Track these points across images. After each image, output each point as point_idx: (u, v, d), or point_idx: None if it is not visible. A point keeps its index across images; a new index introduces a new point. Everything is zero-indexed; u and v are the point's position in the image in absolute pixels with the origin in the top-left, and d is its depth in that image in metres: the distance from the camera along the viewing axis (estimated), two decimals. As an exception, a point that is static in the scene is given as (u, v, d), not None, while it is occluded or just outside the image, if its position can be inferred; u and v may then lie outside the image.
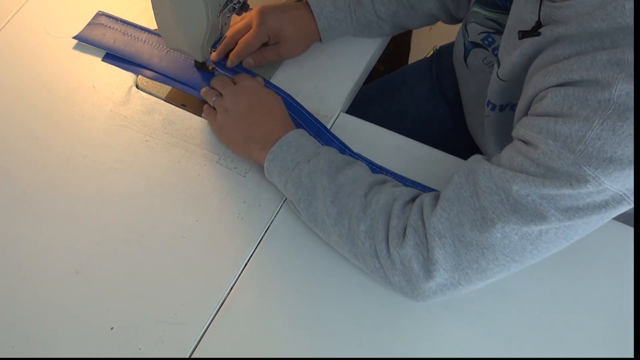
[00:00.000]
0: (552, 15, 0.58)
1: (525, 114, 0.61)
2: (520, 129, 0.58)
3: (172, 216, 0.73)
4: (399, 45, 1.35)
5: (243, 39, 0.82)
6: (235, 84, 0.78)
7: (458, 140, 0.98)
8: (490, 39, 0.77)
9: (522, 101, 0.62)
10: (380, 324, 0.66)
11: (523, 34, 0.61)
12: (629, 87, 0.49)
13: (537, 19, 0.60)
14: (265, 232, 0.72)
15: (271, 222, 0.73)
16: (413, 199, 0.64)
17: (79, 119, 0.81)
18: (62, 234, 0.73)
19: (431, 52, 1.05)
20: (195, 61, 0.83)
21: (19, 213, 0.75)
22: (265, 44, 0.83)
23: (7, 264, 0.71)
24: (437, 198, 0.62)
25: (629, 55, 0.50)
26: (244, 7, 0.76)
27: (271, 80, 0.84)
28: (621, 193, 0.53)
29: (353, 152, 0.77)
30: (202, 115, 0.80)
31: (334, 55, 0.86)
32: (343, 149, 0.77)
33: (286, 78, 0.84)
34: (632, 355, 0.63)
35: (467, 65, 0.84)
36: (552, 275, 0.68)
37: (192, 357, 0.65)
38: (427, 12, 0.86)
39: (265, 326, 0.67)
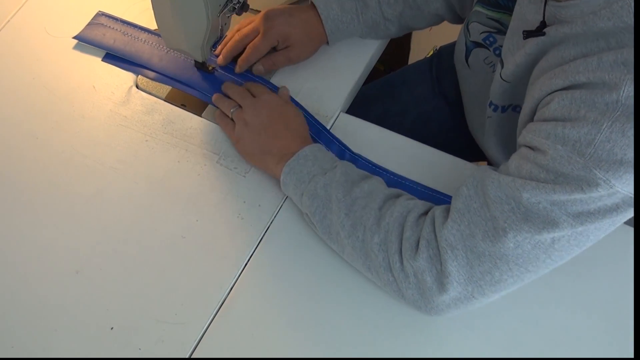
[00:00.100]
0: (556, 14, 0.57)
1: (531, 117, 0.60)
2: (527, 135, 0.57)
3: (172, 216, 0.73)
4: (399, 45, 1.34)
5: (251, 44, 0.81)
6: (250, 92, 0.78)
7: (458, 140, 0.98)
8: (491, 39, 0.77)
9: (527, 104, 0.61)
10: (380, 323, 0.66)
11: (527, 34, 0.61)
12: None
13: (541, 19, 0.59)
14: (265, 232, 0.72)
15: (271, 222, 0.73)
16: (427, 212, 0.64)
17: (79, 119, 0.81)
18: (62, 234, 0.73)
19: (431, 52, 1.05)
20: (195, 61, 0.83)
21: (19, 213, 0.75)
22: (273, 48, 0.83)
23: (7, 263, 0.71)
24: (448, 210, 0.61)
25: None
26: (244, 7, 0.76)
27: (271, 81, 0.84)
28: (632, 195, 0.52)
29: (353, 152, 0.77)
30: (217, 122, 0.79)
31: (334, 55, 0.86)
32: (343, 150, 0.77)
33: (286, 78, 0.84)
34: (632, 355, 0.63)
35: (468, 65, 0.84)
36: (552, 275, 0.67)
37: (192, 357, 0.65)
38: (433, 12, 0.86)
39: (265, 326, 0.67)
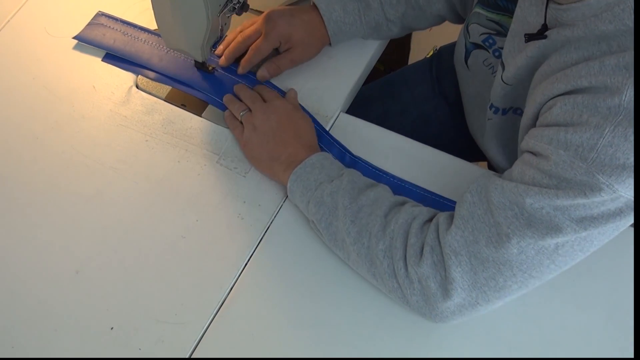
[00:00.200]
0: (558, 17, 0.57)
1: (533, 122, 0.60)
2: (530, 140, 0.57)
3: (172, 216, 0.73)
4: (399, 45, 1.34)
5: (254, 45, 0.81)
6: (261, 96, 0.78)
7: (458, 141, 0.98)
8: (491, 41, 0.77)
9: (529, 109, 0.61)
10: (380, 323, 0.66)
11: (529, 37, 0.61)
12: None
13: (543, 22, 0.59)
14: (265, 232, 0.72)
15: (271, 222, 0.73)
16: (431, 219, 0.64)
17: (79, 119, 0.81)
18: (62, 234, 0.73)
19: (431, 52, 1.05)
20: (195, 61, 0.83)
21: (19, 213, 0.75)
22: (275, 49, 0.83)
23: (7, 264, 0.71)
24: (452, 217, 0.61)
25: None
26: (244, 7, 0.76)
27: (271, 81, 0.84)
28: (634, 205, 0.52)
29: (353, 155, 0.77)
30: (226, 123, 0.79)
31: (334, 56, 0.86)
32: (343, 152, 0.77)
33: (286, 78, 0.84)
34: (632, 355, 0.63)
35: (467, 66, 0.84)
36: (552, 275, 0.68)
37: (192, 357, 0.65)
38: (435, 13, 0.86)
39: (265, 326, 0.67)
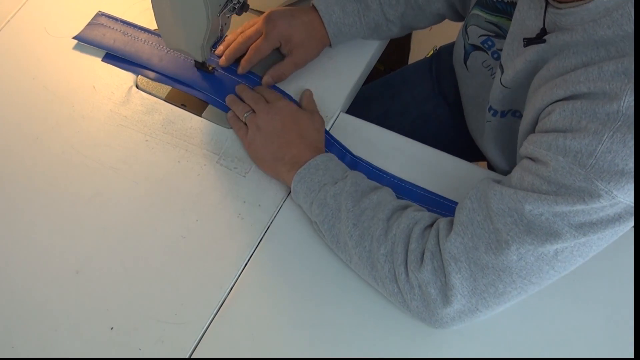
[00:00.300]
0: (557, 22, 0.57)
1: (532, 127, 0.60)
2: (529, 146, 0.57)
3: (172, 216, 0.73)
4: (399, 45, 1.35)
5: (254, 45, 0.81)
6: (264, 97, 0.78)
7: (458, 140, 0.98)
8: (490, 42, 0.76)
9: (528, 114, 0.61)
10: (380, 323, 0.66)
11: (528, 41, 0.60)
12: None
13: (541, 26, 0.59)
14: (265, 232, 0.72)
15: (271, 222, 0.73)
16: (433, 224, 0.64)
17: (79, 120, 0.81)
18: (62, 234, 0.73)
19: (431, 52, 1.05)
20: (195, 61, 0.83)
21: (19, 213, 0.75)
22: (276, 49, 0.83)
23: (7, 264, 0.71)
24: (452, 223, 0.61)
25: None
26: (244, 7, 0.76)
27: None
28: (633, 205, 0.52)
29: (354, 155, 0.77)
30: (230, 126, 0.79)
31: (334, 56, 0.86)
32: (344, 153, 0.77)
33: (286, 79, 0.84)
34: (632, 355, 0.63)
35: (466, 67, 0.84)
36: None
37: (192, 357, 0.65)
38: (434, 12, 0.86)
39: (265, 326, 0.67)
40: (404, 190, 0.74)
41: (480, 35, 0.77)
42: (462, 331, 0.66)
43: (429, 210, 0.69)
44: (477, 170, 0.76)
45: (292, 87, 0.83)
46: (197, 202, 0.74)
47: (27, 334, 0.67)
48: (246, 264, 0.70)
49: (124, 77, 0.85)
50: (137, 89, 0.84)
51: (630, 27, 0.51)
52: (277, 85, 0.84)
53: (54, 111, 0.82)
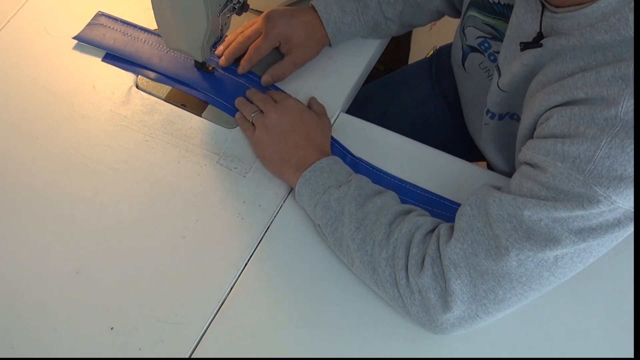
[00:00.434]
0: (553, 26, 0.57)
1: (531, 132, 0.60)
2: (527, 152, 0.57)
3: (172, 216, 0.73)
4: (399, 45, 1.35)
5: (253, 45, 0.81)
6: (273, 99, 0.78)
7: (458, 141, 0.98)
8: (486, 44, 0.76)
9: (526, 119, 0.61)
10: (380, 323, 0.66)
11: (525, 46, 0.60)
12: None
13: (538, 30, 0.59)
14: (265, 232, 0.72)
15: (271, 222, 0.73)
16: (434, 229, 0.64)
17: (79, 119, 0.81)
18: (62, 234, 0.73)
19: (431, 52, 1.05)
20: (195, 61, 0.83)
21: (19, 213, 0.75)
22: (276, 48, 0.83)
23: (7, 264, 0.71)
24: (452, 228, 0.61)
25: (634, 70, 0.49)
26: (244, 7, 0.76)
27: (274, 84, 0.84)
28: (633, 210, 0.52)
29: (354, 156, 0.77)
30: (238, 125, 0.79)
31: (334, 56, 0.86)
32: (344, 153, 0.77)
33: (286, 79, 0.84)
34: (632, 355, 0.63)
35: (464, 68, 0.84)
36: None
37: (192, 357, 0.65)
38: (433, 9, 0.86)
39: (265, 326, 0.67)
40: (404, 190, 0.74)
41: (478, 37, 0.77)
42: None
43: (428, 211, 0.69)
44: (476, 170, 0.76)
45: (292, 87, 0.83)
46: (197, 202, 0.74)
47: (27, 334, 0.67)
48: (246, 264, 0.70)
49: (124, 77, 0.85)
50: (137, 89, 0.84)
51: (627, 32, 0.51)
52: (276, 84, 0.84)
53: (54, 111, 0.82)
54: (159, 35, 0.87)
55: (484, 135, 0.81)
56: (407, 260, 0.61)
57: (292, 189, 0.75)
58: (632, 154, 0.49)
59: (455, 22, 0.91)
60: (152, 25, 0.86)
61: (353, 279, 0.69)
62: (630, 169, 0.49)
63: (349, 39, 0.86)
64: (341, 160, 0.73)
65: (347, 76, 0.85)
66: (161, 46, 0.86)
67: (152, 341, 0.66)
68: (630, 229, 0.54)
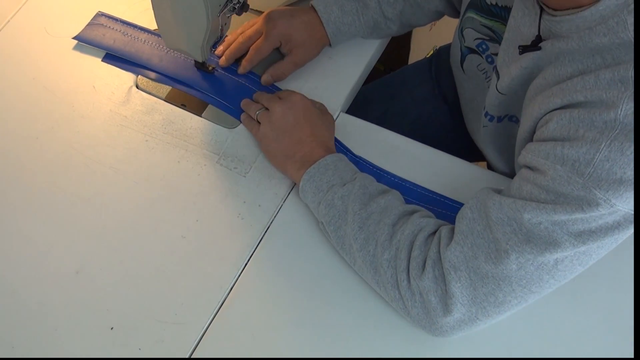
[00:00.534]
0: (552, 29, 0.57)
1: (530, 135, 0.60)
2: (527, 155, 0.57)
3: (172, 216, 0.73)
4: (399, 45, 1.35)
5: (254, 45, 0.82)
6: (279, 97, 0.78)
7: (458, 141, 0.98)
8: (484, 46, 0.76)
9: (526, 122, 0.61)
10: (380, 323, 0.66)
11: (523, 49, 0.60)
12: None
13: (536, 33, 0.59)
14: (265, 232, 0.72)
15: (271, 222, 0.73)
16: (436, 231, 0.64)
17: (79, 119, 0.81)
18: (62, 234, 0.73)
19: (431, 53, 1.05)
20: (195, 61, 0.83)
21: (19, 213, 0.75)
22: (276, 49, 0.83)
23: (7, 264, 0.71)
24: (453, 231, 0.61)
25: (633, 72, 0.49)
26: (244, 7, 0.76)
27: (273, 84, 0.84)
28: (632, 212, 0.52)
29: (354, 155, 0.77)
30: (244, 126, 0.79)
31: (334, 56, 0.86)
32: (345, 152, 0.77)
33: (287, 79, 0.84)
34: (632, 355, 0.63)
35: (463, 70, 0.84)
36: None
37: (192, 357, 0.65)
38: (433, 9, 0.86)
39: (265, 326, 0.67)
40: (404, 189, 0.74)
41: (476, 39, 0.77)
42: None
43: (428, 209, 0.69)
44: (476, 170, 0.76)
45: (292, 87, 0.83)
46: (197, 202, 0.74)
47: (27, 334, 0.67)
48: (246, 264, 0.70)
49: (124, 77, 0.85)
50: (137, 89, 0.84)
51: (626, 35, 0.51)
52: (276, 84, 0.84)
53: (54, 111, 0.82)
54: (159, 35, 0.87)
55: (483, 137, 0.81)
56: (408, 262, 0.61)
57: (292, 189, 0.75)
58: (631, 157, 0.49)
59: (455, 22, 0.91)
60: (152, 25, 0.86)
61: (353, 280, 0.69)
62: (629, 172, 0.49)
63: (349, 39, 0.86)
64: (346, 158, 0.73)
65: (347, 76, 0.85)
66: (161, 46, 0.86)
67: (152, 341, 0.66)
68: (629, 232, 0.54)
